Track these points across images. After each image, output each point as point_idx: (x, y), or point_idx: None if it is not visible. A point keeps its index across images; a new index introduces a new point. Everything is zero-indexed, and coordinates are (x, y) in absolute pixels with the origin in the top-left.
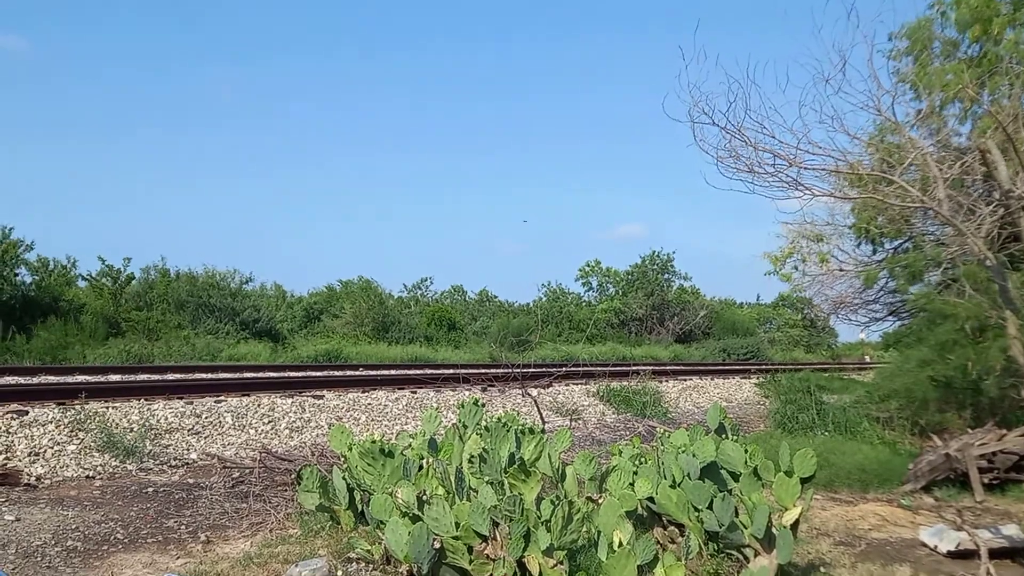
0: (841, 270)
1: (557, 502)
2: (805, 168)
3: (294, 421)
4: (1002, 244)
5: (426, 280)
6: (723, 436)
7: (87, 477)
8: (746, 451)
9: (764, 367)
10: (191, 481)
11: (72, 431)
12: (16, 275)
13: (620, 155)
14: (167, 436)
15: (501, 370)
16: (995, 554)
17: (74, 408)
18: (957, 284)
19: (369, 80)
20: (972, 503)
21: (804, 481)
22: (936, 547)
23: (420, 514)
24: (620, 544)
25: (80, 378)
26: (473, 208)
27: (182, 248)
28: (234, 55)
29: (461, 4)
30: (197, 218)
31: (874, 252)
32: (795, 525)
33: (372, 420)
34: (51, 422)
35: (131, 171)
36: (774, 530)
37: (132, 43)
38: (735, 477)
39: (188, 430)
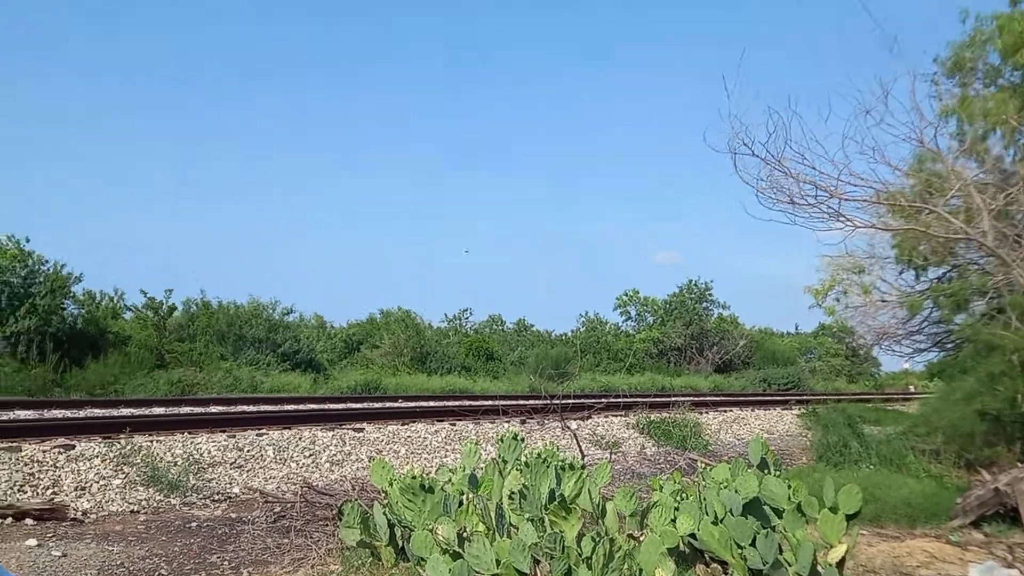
0: (884, 301)
1: (598, 539)
2: (846, 199)
3: (335, 454)
4: None
5: (466, 311)
6: (765, 470)
7: (132, 512)
8: (789, 486)
9: (805, 397)
10: (234, 516)
11: (117, 465)
12: (63, 307)
13: (656, 182)
14: (210, 470)
15: (540, 402)
16: None
17: (119, 442)
18: (1003, 314)
19: (401, 105)
20: (1022, 539)
21: (849, 517)
22: None
23: (461, 551)
24: None
25: (125, 411)
26: (511, 237)
27: (221, 279)
28: (267, 79)
29: (498, 30)
30: (236, 248)
31: (917, 281)
32: (841, 563)
33: (412, 453)
34: (97, 456)
35: (169, 201)
36: (819, 568)
37: (177, 62)
38: (778, 513)
39: (231, 464)
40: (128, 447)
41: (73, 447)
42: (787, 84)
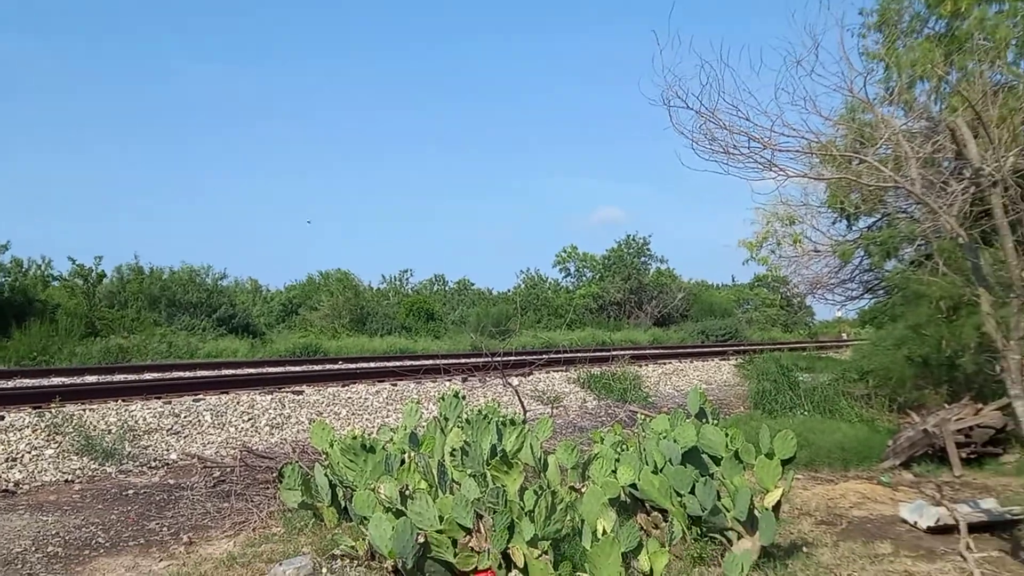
0: (816, 250)
1: (540, 492)
2: (780, 150)
3: (274, 418)
4: (974, 221)
5: (406, 272)
6: (704, 420)
7: (66, 481)
8: (727, 435)
9: (742, 348)
10: (172, 482)
11: (49, 435)
12: None
13: (597, 139)
14: (146, 437)
15: (481, 360)
16: (974, 528)
17: (50, 412)
18: (931, 261)
19: (342, 78)
20: (951, 478)
21: (785, 463)
22: (916, 523)
23: (403, 509)
24: (604, 532)
25: (56, 380)
26: (452, 199)
27: (156, 247)
28: (211, 56)
29: (436, 3)
30: (172, 217)
31: (849, 230)
32: (777, 506)
33: (353, 414)
34: (27, 427)
35: (103, 171)
36: (756, 512)
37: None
38: (717, 461)
39: (167, 430)
40: (60, 416)
41: (2, 418)
42: (719, 35)
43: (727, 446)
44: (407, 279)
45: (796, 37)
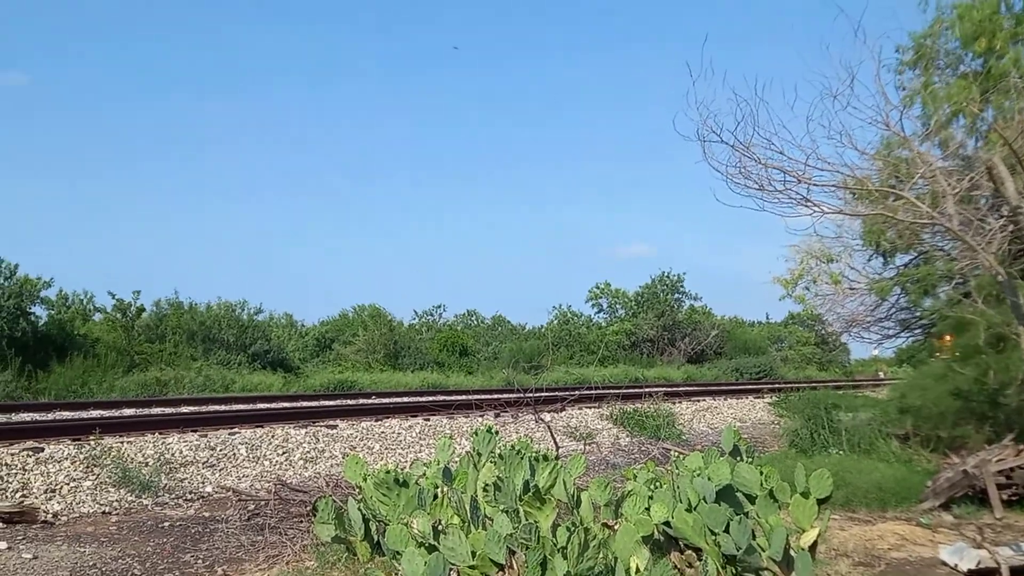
0: (852, 288)
1: (573, 529)
2: (814, 184)
3: (308, 452)
4: (1013, 258)
5: (439, 307)
6: (738, 458)
7: (103, 513)
8: (761, 473)
9: (777, 385)
10: (207, 515)
11: (88, 467)
12: (30, 313)
13: (627, 174)
14: (182, 470)
15: (514, 395)
16: (1016, 572)
17: (89, 444)
18: (969, 298)
19: (374, 107)
20: (992, 520)
21: (821, 502)
22: (956, 566)
23: (436, 544)
24: (637, 570)
25: (95, 413)
26: (481, 232)
27: (194, 280)
28: (235, 83)
29: (461, 27)
30: (208, 251)
31: (884, 267)
32: (813, 546)
33: (386, 449)
34: (67, 458)
35: (137, 204)
36: (792, 552)
37: (129, 71)
38: (751, 500)
39: (203, 463)
40: (98, 448)
41: (42, 449)
42: (753, 69)
43: (762, 484)
44: (440, 314)
45: (831, 71)
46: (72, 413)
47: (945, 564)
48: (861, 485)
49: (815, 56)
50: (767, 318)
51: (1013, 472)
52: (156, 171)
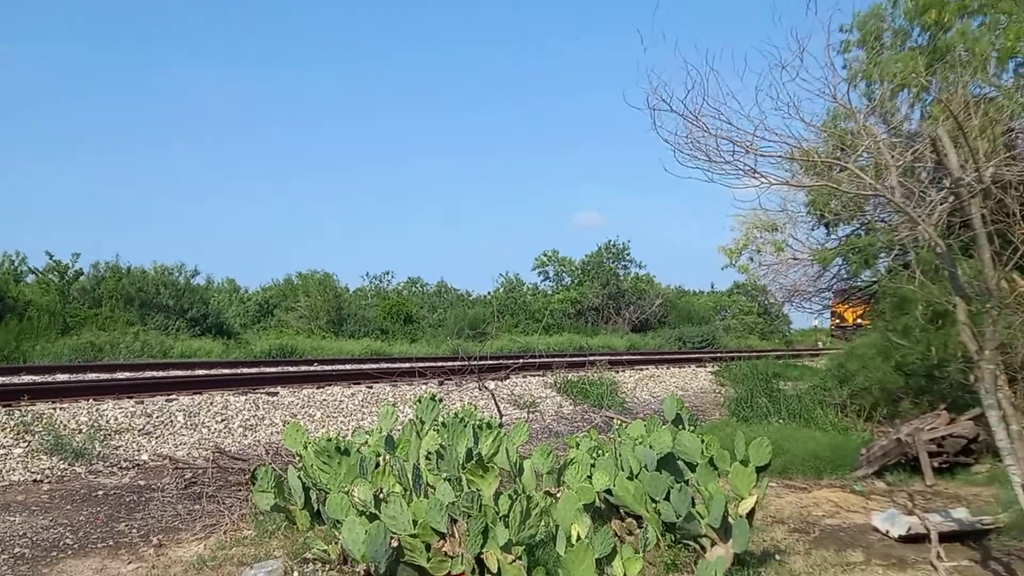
0: (795, 258)
1: (515, 497)
2: (761, 155)
3: (248, 419)
4: (952, 231)
5: (387, 273)
6: (680, 426)
7: (35, 481)
8: (702, 441)
9: (719, 355)
10: (142, 483)
11: (18, 434)
12: None
13: (578, 144)
14: (117, 437)
15: (458, 363)
16: (945, 537)
17: (20, 410)
18: (908, 270)
19: (326, 80)
20: (923, 487)
21: (759, 470)
22: (888, 532)
23: (377, 513)
24: (578, 538)
25: (27, 378)
26: (432, 200)
27: (138, 247)
28: (197, 61)
29: (426, 12)
30: (153, 218)
31: (827, 238)
32: (751, 514)
33: (327, 417)
34: None
35: (86, 170)
36: (730, 519)
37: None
38: (692, 467)
39: (139, 430)
40: (29, 415)
41: None
42: (704, 38)
43: (703, 452)
44: (388, 280)
45: (781, 40)
46: (3, 378)
47: (877, 530)
48: (798, 453)
49: (766, 26)
50: (712, 288)
51: (944, 440)
52: (107, 142)
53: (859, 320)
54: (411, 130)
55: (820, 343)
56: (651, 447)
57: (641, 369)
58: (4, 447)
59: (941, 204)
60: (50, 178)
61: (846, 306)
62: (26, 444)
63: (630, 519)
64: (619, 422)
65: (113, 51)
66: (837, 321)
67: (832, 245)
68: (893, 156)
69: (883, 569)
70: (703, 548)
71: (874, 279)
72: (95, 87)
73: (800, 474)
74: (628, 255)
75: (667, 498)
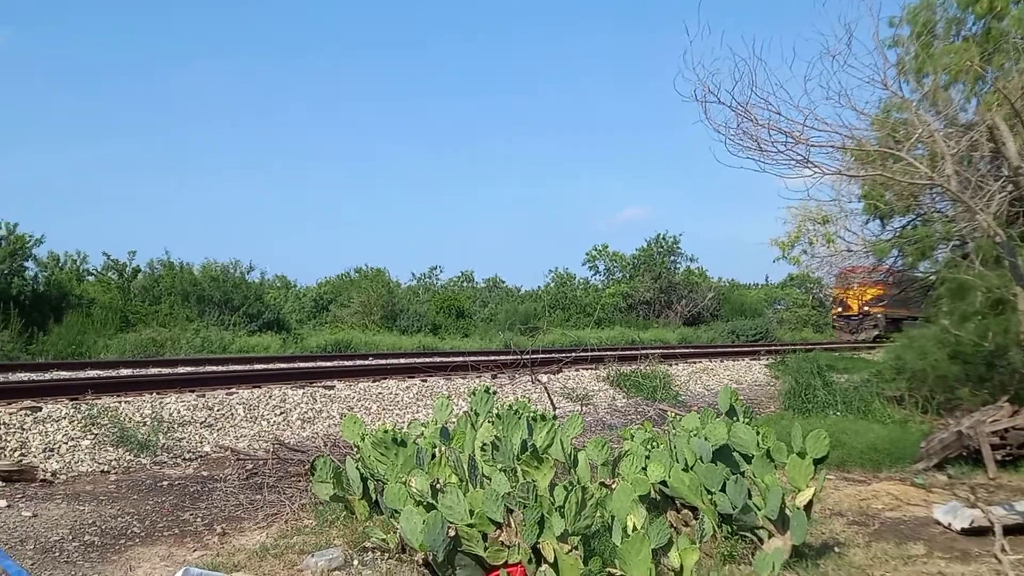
0: (849, 250)
1: (570, 488)
2: (813, 145)
3: (306, 412)
4: (1012, 220)
5: (435, 268)
6: (734, 418)
7: (102, 472)
8: (758, 433)
9: (774, 348)
10: (205, 474)
11: (85, 426)
12: (24, 269)
13: (622, 138)
14: (180, 429)
15: (510, 357)
16: (1009, 530)
17: (87, 403)
18: (967, 261)
19: (373, 71)
20: (985, 480)
21: (817, 462)
22: (950, 525)
23: (434, 502)
24: (634, 528)
25: (92, 373)
26: (480, 197)
27: (188, 243)
28: (233, 49)
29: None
30: (203, 213)
31: (882, 230)
32: (808, 506)
33: (383, 409)
34: (64, 418)
35: (132, 167)
36: (788, 511)
37: (123, 36)
38: (748, 459)
39: (201, 423)
40: (96, 408)
41: (40, 409)
42: (750, 28)
43: (758, 444)
44: (436, 276)
45: (829, 28)
46: (69, 373)
47: (939, 523)
48: (856, 446)
49: (813, 13)
50: (767, 280)
51: (1007, 433)
52: (151, 138)
53: (867, 308)
54: (454, 122)
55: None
56: (706, 439)
57: (694, 362)
58: (73, 439)
59: (1000, 193)
60: (96, 174)
61: (850, 291)
62: (93, 436)
63: (685, 510)
64: (673, 414)
65: (153, 35)
66: (839, 310)
67: (887, 237)
68: (948, 144)
69: (945, 562)
70: (760, 540)
71: (932, 271)
72: (123, 70)
73: (858, 467)
74: (679, 249)
75: (723, 489)
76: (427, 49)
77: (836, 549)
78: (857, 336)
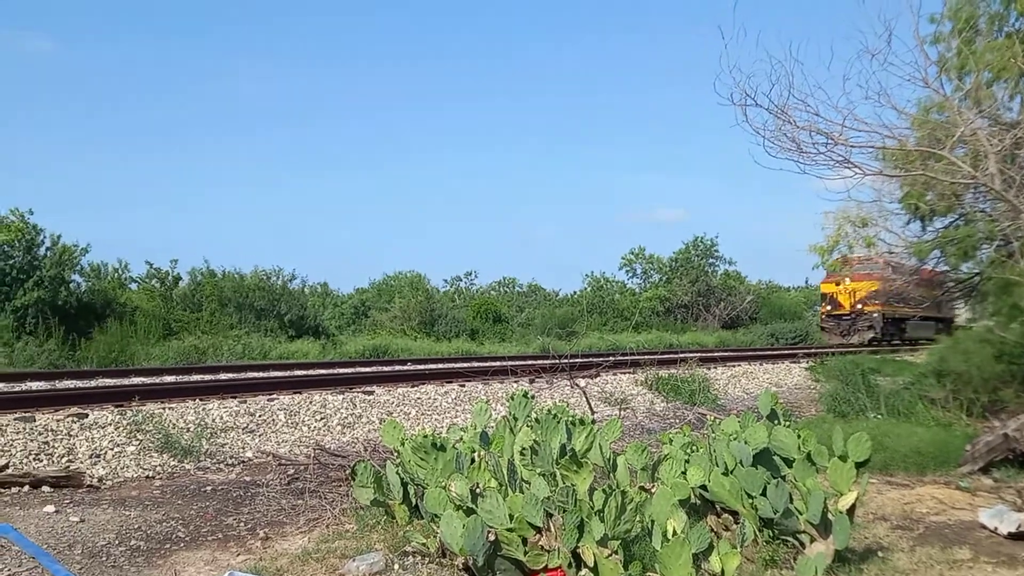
0: (890, 252)
1: (610, 492)
2: (852, 145)
3: (345, 417)
4: None
5: (470, 273)
6: (775, 422)
7: (147, 477)
8: (799, 436)
9: (813, 351)
10: (248, 479)
11: (131, 432)
12: (70, 281)
13: (658, 138)
14: (223, 435)
15: (548, 361)
16: None
17: (131, 410)
18: (1011, 259)
19: (408, 77)
20: None
21: (859, 465)
22: (996, 529)
23: (474, 507)
24: (674, 533)
25: (136, 380)
26: (512, 198)
27: (228, 250)
28: (268, 56)
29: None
30: (243, 220)
31: (923, 231)
32: (851, 510)
33: (422, 414)
34: (110, 424)
35: (175, 174)
36: (830, 515)
37: (163, 44)
38: (788, 463)
39: (243, 429)
40: (140, 415)
41: (86, 416)
42: (787, 26)
43: (799, 448)
44: (472, 281)
45: (868, 26)
46: (114, 380)
47: (984, 527)
48: (899, 449)
49: (851, 11)
50: (806, 283)
51: None
52: (193, 148)
53: (860, 305)
54: (482, 125)
55: None
56: (746, 442)
57: (733, 366)
58: (118, 445)
59: None
60: (128, 180)
61: (840, 285)
62: (138, 442)
63: (726, 515)
64: (712, 418)
65: (192, 45)
66: (828, 308)
67: (928, 238)
68: (991, 143)
69: (992, 566)
70: (802, 544)
71: (975, 271)
72: (159, 80)
73: (902, 470)
74: (717, 251)
75: (764, 494)
76: (465, 51)
77: (880, 554)
78: (849, 339)
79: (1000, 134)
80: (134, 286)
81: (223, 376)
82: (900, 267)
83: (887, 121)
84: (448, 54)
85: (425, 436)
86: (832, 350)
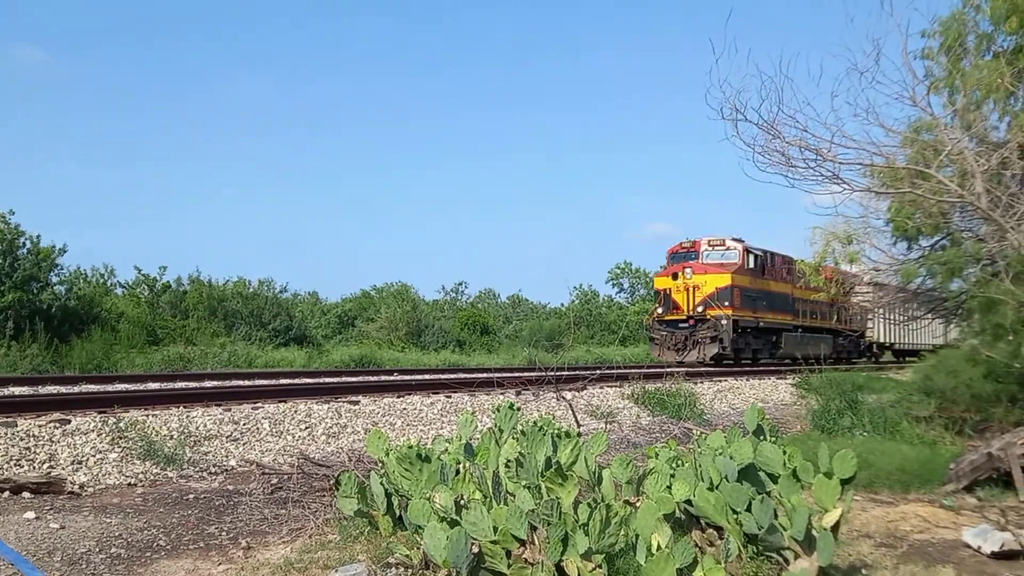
0: (877, 270)
1: (595, 505)
2: (840, 162)
3: (330, 427)
4: None
5: (461, 284)
6: (761, 437)
7: (129, 484)
8: (784, 452)
9: (800, 367)
10: (231, 488)
11: (113, 439)
12: (49, 283)
13: (648, 153)
14: (206, 443)
15: (535, 374)
16: None
17: (115, 416)
18: (997, 280)
19: (395, 90)
20: (1016, 503)
21: (844, 482)
22: (980, 548)
23: (458, 519)
24: (659, 547)
25: (120, 387)
26: (502, 212)
27: (220, 259)
28: (255, 64)
29: (485, 19)
30: (233, 229)
31: (909, 250)
32: (836, 527)
33: (408, 425)
34: (92, 431)
35: (167, 183)
36: (814, 532)
37: (154, 52)
38: (774, 479)
39: (227, 437)
40: (123, 421)
41: (69, 422)
42: (777, 43)
43: (785, 464)
44: (462, 292)
45: (856, 44)
46: (97, 387)
47: (968, 546)
48: (884, 467)
49: (840, 29)
50: None
51: None
52: (182, 157)
53: (701, 308)
54: (478, 138)
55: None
56: (732, 458)
57: (719, 381)
58: (100, 452)
59: None
60: (122, 190)
61: (676, 279)
62: (121, 449)
63: (711, 530)
64: (698, 433)
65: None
66: (659, 311)
67: (915, 257)
68: (977, 162)
69: None
70: (786, 561)
71: (963, 290)
72: (151, 90)
73: (886, 488)
74: None
75: (748, 509)
76: (456, 67)
77: (863, 571)
78: (683, 357)
79: (987, 154)
80: (120, 291)
81: (208, 384)
82: (763, 254)
83: (875, 139)
84: (444, 66)
85: (410, 447)
86: (819, 366)
